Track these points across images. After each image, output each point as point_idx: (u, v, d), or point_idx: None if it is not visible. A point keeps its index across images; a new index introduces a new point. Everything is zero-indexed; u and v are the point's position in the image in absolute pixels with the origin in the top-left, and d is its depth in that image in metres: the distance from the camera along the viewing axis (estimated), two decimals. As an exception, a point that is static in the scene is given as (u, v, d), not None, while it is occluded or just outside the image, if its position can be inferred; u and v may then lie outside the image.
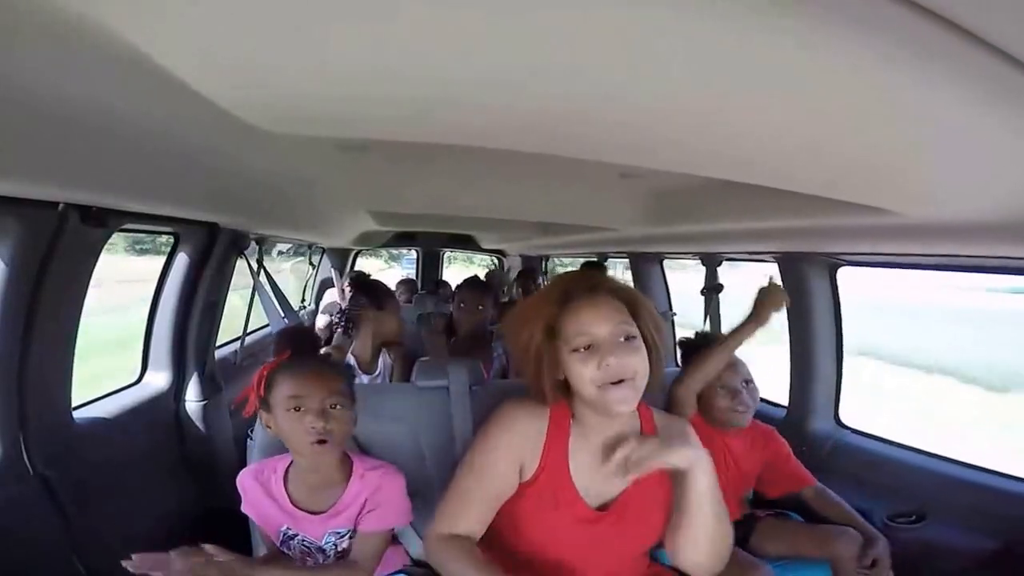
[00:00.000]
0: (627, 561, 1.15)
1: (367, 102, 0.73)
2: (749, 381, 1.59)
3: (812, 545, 1.46)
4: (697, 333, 1.87)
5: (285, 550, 1.18)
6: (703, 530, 1.02)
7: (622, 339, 1.03)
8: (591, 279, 1.11)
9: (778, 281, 1.67)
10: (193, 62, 0.63)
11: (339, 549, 1.17)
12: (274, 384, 1.13)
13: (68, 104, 0.80)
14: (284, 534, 1.17)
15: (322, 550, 1.17)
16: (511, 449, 1.09)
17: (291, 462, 1.20)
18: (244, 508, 1.20)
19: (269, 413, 1.14)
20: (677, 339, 1.81)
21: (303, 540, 1.17)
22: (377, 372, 2.26)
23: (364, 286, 2.31)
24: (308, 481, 1.17)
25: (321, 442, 1.09)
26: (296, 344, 1.21)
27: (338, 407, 1.12)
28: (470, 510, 1.09)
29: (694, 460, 1.00)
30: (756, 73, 0.56)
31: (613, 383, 1.01)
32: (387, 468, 1.21)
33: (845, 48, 0.50)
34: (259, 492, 1.18)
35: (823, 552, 1.44)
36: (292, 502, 1.17)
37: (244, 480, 1.20)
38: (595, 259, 3.65)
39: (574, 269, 3.00)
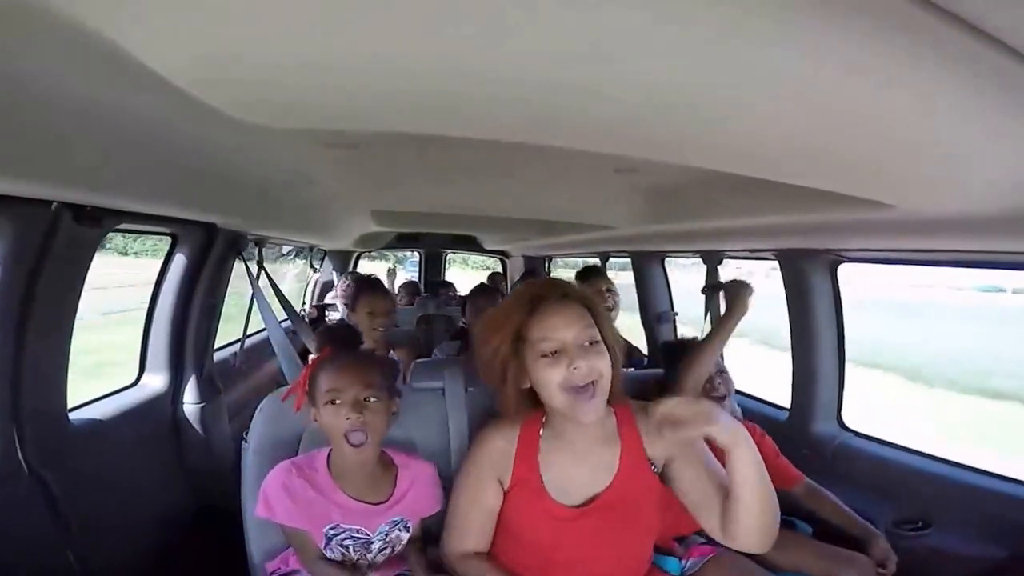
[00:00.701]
0: (622, 557, 1.15)
1: (361, 93, 0.73)
2: (723, 371, 1.60)
3: (818, 565, 1.39)
4: (680, 339, 1.88)
5: (327, 552, 1.16)
6: (752, 507, 0.99)
7: (587, 343, 1.07)
8: (557, 285, 1.15)
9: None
10: (184, 58, 0.63)
11: (388, 538, 1.19)
12: (316, 379, 1.17)
13: (61, 102, 0.80)
14: (327, 534, 1.15)
15: (370, 543, 1.18)
16: (488, 469, 1.16)
17: (328, 458, 1.20)
18: (269, 512, 1.14)
19: (315, 408, 1.17)
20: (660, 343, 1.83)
21: (349, 535, 1.16)
22: None
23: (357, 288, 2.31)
24: (359, 473, 1.19)
25: (356, 444, 1.12)
26: (337, 340, 1.26)
27: (372, 399, 1.15)
28: (472, 528, 1.16)
29: (737, 436, 0.96)
30: (754, 64, 0.55)
31: (580, 387, 1.04)
32: (417, 457, 1.29)
33: (844, 40, 0.50)
34: (305, 488, 1.15)
35: (829, 574, 1.40)
36: (347, 495, 1.17)
37: (281, 477, 1.16)
38: (594, 263, 3.62)
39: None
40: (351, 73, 0.65)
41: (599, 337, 1.08)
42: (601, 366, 1.06)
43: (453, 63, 0.61)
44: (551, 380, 1.05)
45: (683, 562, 1.44)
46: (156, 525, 1.75)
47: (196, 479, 2.01)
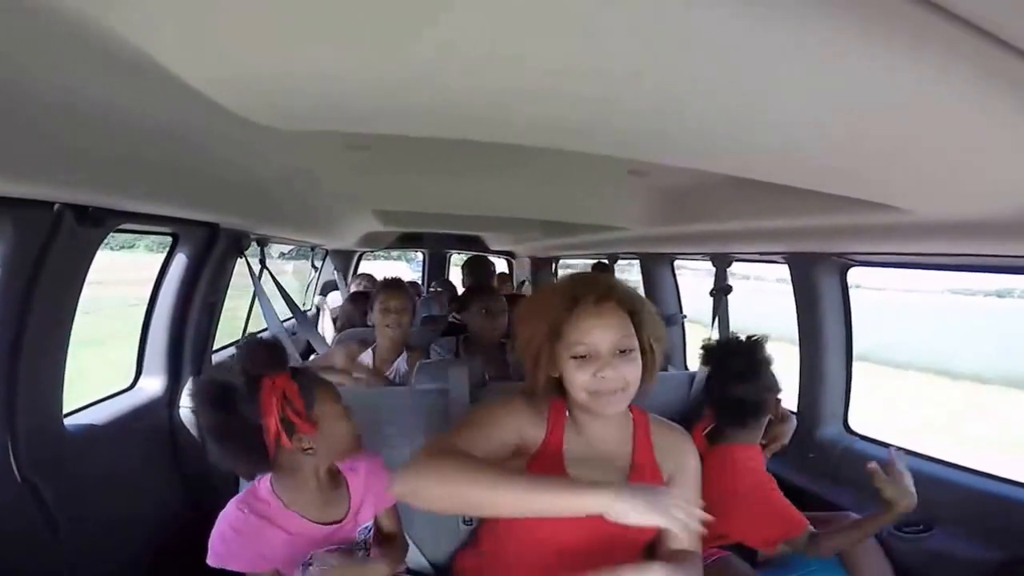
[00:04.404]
0: (631, 555, 1.10)
1: (373, 97, 0.72)
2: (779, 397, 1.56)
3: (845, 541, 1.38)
4: (721, 340, 1.77)
5: (311, 571, 1.10)
6: None
7: (620, 351, 1.05)
8: (600, 286, 1.10)
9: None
10: (191, 57, 0.62)
11: (368, 542, 1.20)
12: (318, 397, 1.10)
13: (63, 101, 0.79)
14: (305, 562, 1.10)
15: (359, 542, 1.18)
16: (511, 426, 1.12)
17: (271, 484, 1.12)
18: (220, 560, 1.06)
19: (315, 431, 1.08)
20: (703, 342, 1.73)
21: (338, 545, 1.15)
22: (390, 372, 2.24)
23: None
24: (317, 497, 1.14)
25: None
26: (272, 360, 1.09)
27: None
28: (476, 447, 1.04)
29: None
30: (769, 67, 0.55)
31: (605, 392, 1.05)
32: (363, 455, 1.23)
33: (859, 45, 0.49)
34: (262, 526, 1.09)
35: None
36: (305, 519, 1.12)
37: (236, 523, 1.08)
38: (604, 260, 3.58)
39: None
40: (363, 77, 0.64)
41: (635, 345, 1.06)
42: (630, 376, 1.05)
43: (466, 69, 0.60)
44: (577, 381, 1.05)
45: None
46: (151, 531, 1.72)
47: (192, 485, 1.95)
